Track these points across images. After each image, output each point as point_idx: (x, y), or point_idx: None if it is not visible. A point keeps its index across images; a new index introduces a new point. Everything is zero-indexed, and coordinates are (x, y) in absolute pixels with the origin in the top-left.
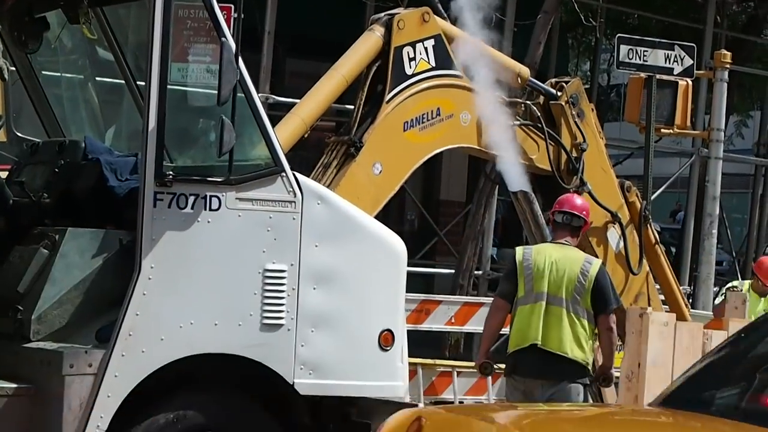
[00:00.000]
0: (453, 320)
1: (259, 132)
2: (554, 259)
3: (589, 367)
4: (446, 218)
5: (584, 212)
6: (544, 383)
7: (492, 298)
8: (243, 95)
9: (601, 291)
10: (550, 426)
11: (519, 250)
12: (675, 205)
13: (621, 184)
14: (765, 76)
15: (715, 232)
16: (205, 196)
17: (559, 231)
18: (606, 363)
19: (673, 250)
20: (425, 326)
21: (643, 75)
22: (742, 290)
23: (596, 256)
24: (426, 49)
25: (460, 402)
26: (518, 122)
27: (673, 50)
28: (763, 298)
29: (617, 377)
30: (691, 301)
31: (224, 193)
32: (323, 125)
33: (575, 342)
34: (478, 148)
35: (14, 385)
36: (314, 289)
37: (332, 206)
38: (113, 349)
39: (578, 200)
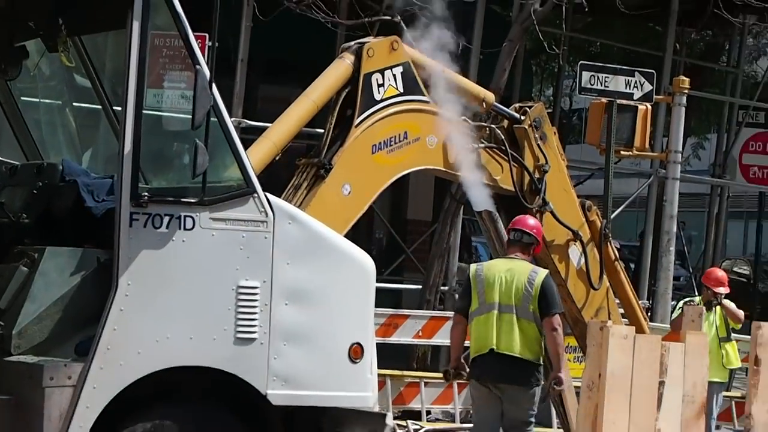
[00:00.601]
0: (420, 333)
1: (231, 155)
2: (504, 271)
3: (537, 366)
4: (413, 236)
5: (534, 230)
6: (502, 385)
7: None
8: (216, 120)
9: (545, 297)
10: None
11: (473, 267)
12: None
13: (582, 203)
14: (721, 101)
15: (672, 249)
16: (180, 216)
17: (511, 247)
18: (554, 364)
19: (632, 266)
20: (394, 339)
21: (604, 100)
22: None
23: (558, 273)
24: (394, 75)
25: (427, 412)
26: (483, 145)
27: (634, 76)
28: (716, 308)
29: (578, 386)
30: (649, 314)
31: (198, 214)
32: (294, 147)
33: (526, 344)
34: (443, 169)
35: None
36: (286, 304)
37: (303, 226)
38: (92, 363)
39: (531, 221)
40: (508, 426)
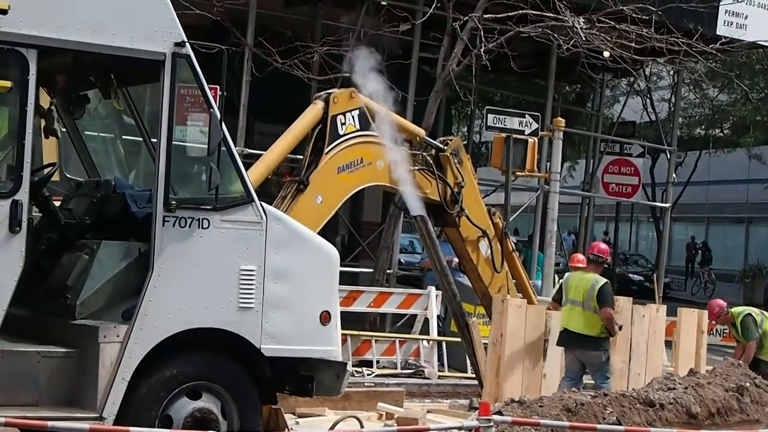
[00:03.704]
0: (372, 304)
1: (236, 174)
2: (578, 279)
3: (602, 339)
4: (367, 233)
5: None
6: (572, 350)
7: (399, 289)
8: (225, 149)
9: (601, 297)
10: None
11: (565, 276)
12: (571, 228)
13: (488, 210)
14: (588, 136)
15: (554, 242)
16: (199, 218)
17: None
18: (610, 330)
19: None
20: (353, 308)
21: (503, 135)
22: None
23: (471, 260)
24: (353, 116)
25: (377, 361)
26: (417, 167)
27: (525, 117)
28: None
29: (486, 343)
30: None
31: (212, 217)
32: (281, 169)
33: (587, 325)
34: (389, 185)
35: (64, 350)
36: (274, 282)
37: (287, 225)
38: (134, 325)
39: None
40: (591, 369)
